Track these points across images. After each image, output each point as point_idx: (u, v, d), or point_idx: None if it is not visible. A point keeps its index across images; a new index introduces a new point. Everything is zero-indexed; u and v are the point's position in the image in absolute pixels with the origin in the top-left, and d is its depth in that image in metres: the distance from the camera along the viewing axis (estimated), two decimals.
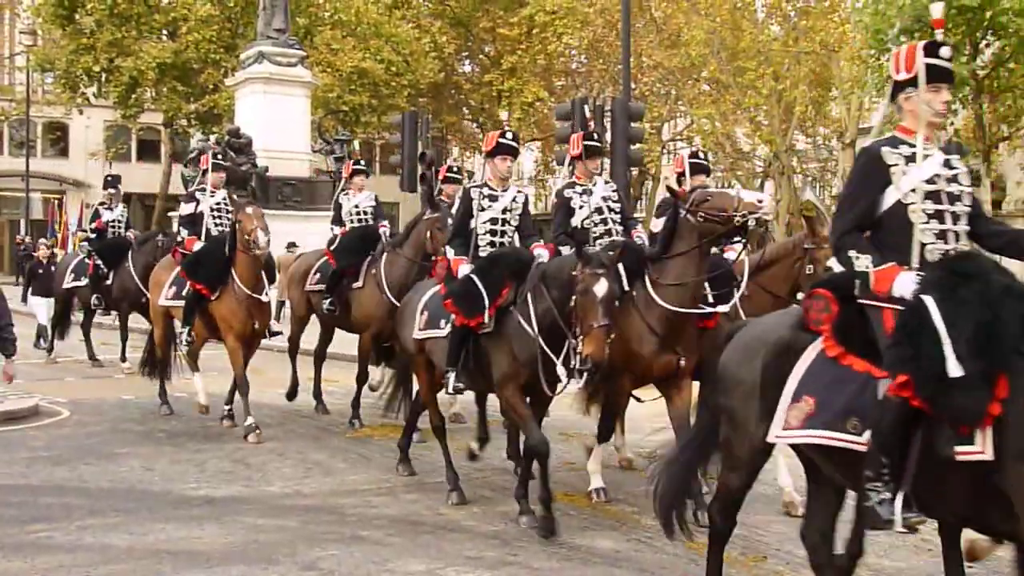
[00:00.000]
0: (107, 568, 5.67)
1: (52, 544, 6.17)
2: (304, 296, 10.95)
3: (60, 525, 6.56)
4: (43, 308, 16.53)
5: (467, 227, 7.24)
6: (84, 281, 14.37)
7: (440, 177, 11.23)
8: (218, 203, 10.45)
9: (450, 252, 7.27)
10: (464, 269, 6.93)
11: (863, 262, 4.07)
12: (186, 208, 10.63)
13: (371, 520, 6.83)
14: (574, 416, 8.76)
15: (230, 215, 10.08)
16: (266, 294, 9.63)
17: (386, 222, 11.00)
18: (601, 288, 5.84)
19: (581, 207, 7.60)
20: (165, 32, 35.80)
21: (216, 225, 10.28)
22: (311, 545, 6.18)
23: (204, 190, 10.53)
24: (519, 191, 7.66)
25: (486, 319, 6.55)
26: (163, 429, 10.12)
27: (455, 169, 11.31)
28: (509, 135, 7.31)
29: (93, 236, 14.77)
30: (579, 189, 7.68)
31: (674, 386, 7.05)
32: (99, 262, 14.07)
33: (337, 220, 11.04)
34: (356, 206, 11.02)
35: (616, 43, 28.87)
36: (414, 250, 9.55)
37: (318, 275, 10.62)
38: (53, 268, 16.80)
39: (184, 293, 9.83)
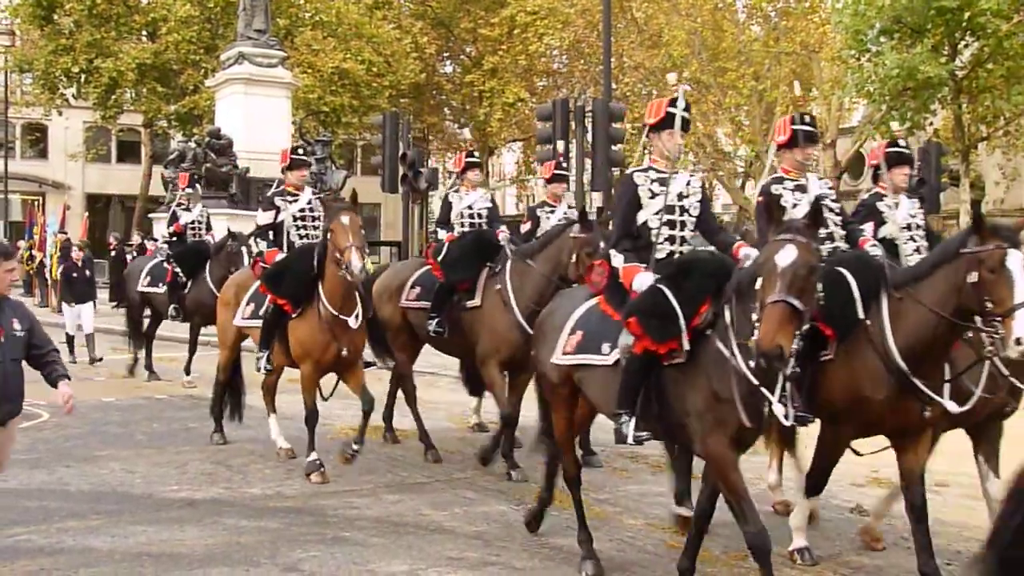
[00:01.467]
0: (88, 571, 5.65)
1: (32, 547, 6.13)
2: (399, 313, 9.04)
3: (40, 528, 6.51)
4: (76, 315, 15.27)
5: (633, 223, 5.64)
6: (162, 288, 12.97)
7: (546, 176, 9.76)
8: (302, 209, 8.67)
9: (617, 258, 5.56)
10: (646, 279, 5.31)
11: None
12: (264, 217, 8.80)
13: (353, 521, 6.82)
14: None
15: (317, 221, 8.55)
16: (357, 317, 7.80)
17: (504, 227, 9.04)
18: (786, 256, 4.45)
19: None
20: (145, 33, 35.67)
21: (301, 236, 8.61)
22: (292, 546, 6.17)
23: (284, 195, 8.75)
24: (692, 173, 6.16)
25: (682, 345, 4.98)
26: (144, 432, 10.06)
27: (563, 165, 9.90)
28: (681, 104, 5.76)
29: (172, 240, 13.40)
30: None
31: (911, 438, 5.59)
32: (178, 269, 12.72)
33: (444, 223, 9.30)
34: (469, 207, 9.24)
35: (597, 43, 28.90)
36: (550, 266, 7.85)
37: (418, 289, 8.92)
38: (88, 272, 15.76)
39: (263, 312, 8.33)
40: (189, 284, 12.59)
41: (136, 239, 25.53)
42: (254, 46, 26.31)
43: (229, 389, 9.34)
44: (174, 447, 9.29)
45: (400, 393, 9.48)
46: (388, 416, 9.62)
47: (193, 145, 26.87)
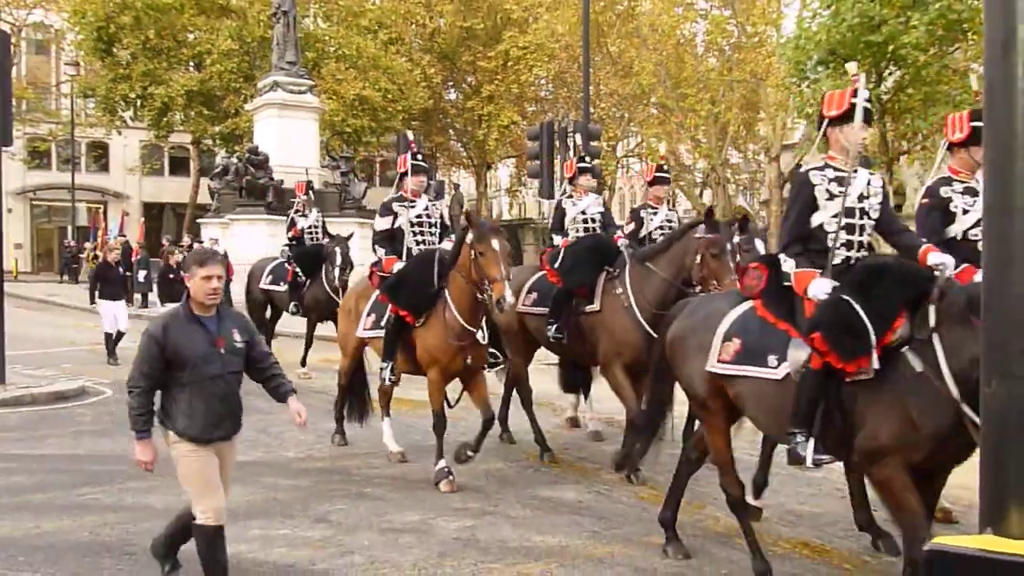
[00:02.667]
0: (146, 525, 5.63)
1: (98, 505, 6.12)
2: (516, 318, 7.87)
3: (105, 488, 6.50)
4: (112, 314, 13.62)
5: (807, 225, 4.49)
6: (283, 286, 12.41)
7: (648, 178, 8.41)
8: (419, 215, 7.38)
9: (789, 263, 4.47)
10: (823, 286, 4.24)
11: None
12: (381, 223, 7.43)
13: (373, 479, 6.81)
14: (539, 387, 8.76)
15: (434, 228, 7.42)
16: (482, 329, 6.66)
17: (620, 232, 7.97)
18: None
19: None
20: (192, 64, 35.42)
21: (418, 242, 7.32)
22: (322, 501, 6.16)
23: (402, 201, 7.41)
24: (870, 172, 4.83)
25: (872, 363, 3.90)
26: None
27: (665, 168, 8.43)
28: (863, 94, 4.49)
29: (292, 243, 12.81)
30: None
31: None
32: (298, 269, 12.16)
33: (558, 228, 8.23)
34: (583, 212, 8.15)
35: (578, 74, 28.83)
36: (674, 269, 6.74)
37: (535, 295, 7.85)
38: (123, 271, 14.44)
39: (384, 322, 7.09)
40: (308, 283, 12.03)
41: (186, 241, 25.39)
42: (286, 75, 26.24)
43: (351, 392, 8.10)
44: None
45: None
46: (504, 417, 8.32)
47: (235, 160, 26.79)
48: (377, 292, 7.30)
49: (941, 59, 21.95)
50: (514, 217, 56.47)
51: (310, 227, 12.83)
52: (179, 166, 44.52)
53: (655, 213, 8.16)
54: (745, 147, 36.86)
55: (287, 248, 12.83)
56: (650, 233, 7.91)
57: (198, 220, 29.21)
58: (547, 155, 14.52)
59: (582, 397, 8.85)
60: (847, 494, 5.67)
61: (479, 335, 6.57)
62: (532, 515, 5.90)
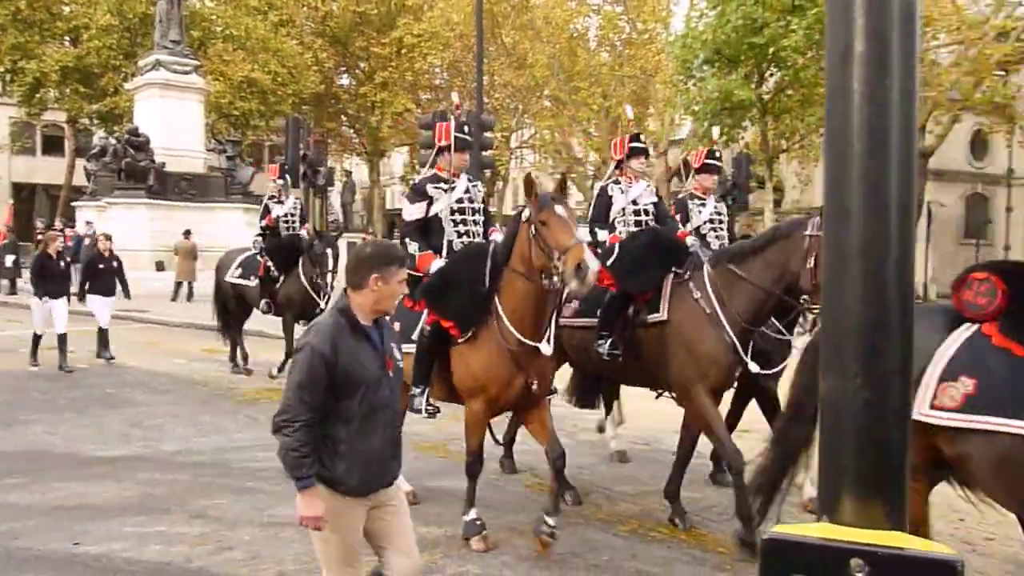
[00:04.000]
0: (8, 525, 5.33)
1: None
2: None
3: None
4: (105, 309, 11.94)
5: None
6: (253, 281, 10.92)
7: (696, 164, 7.05)
8: (460, 199, 5.69)
9: None
10: None
11: None
12: (412, 210, 5.68)
13: (256, 473, 6.64)
14: None
15: (478, 215, 5.79)
16: (549, 341, 5.05)
17: (682, 226, 6.62)
18: None
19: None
20: (68, 38, 33.54)
21: (460, 233, 5.68)
22: (200, 496, 5.97)
23: (437, 181, 5.68)
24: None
25: None
26: (67, 397, 9.54)
27: (716, 154, 7.14)
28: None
29: (265, 233, 11.20)
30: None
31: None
32: (270, 263, 10.67)
33: (601, 220, 6.58)
34: (634, 202, 6.56)
35: (473, 64, 28.83)
36: (774, 274, 5.29)
37: (575, 303, 6.22)
38: (116, 264, 12.08)
39: (416, 335, 5.36)
40: (281, 279, 10.64)
41: (59, 224, 24.06)
42: (170, 55, 25.21)
43: None
44: (95, 410, 8.85)
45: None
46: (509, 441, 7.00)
47: (114, 141, 25.60)
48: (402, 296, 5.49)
49: (818, 62, 22.97)
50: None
51: (286, 215, 11.17)
52: (53, 145, 42.16)
53: (703, 205, 6.89)
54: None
55: (260, 239, 11.34)
56: (698, 228, 6.71)
57: (73, 203, 27.76)
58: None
59: (606, 414, 7.50)
60: (720, 482, 5.90)
61: (544, 348, 4.99)
62: (420, 506, 5.87)
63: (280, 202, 11.21)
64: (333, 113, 40.26)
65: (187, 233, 21.12)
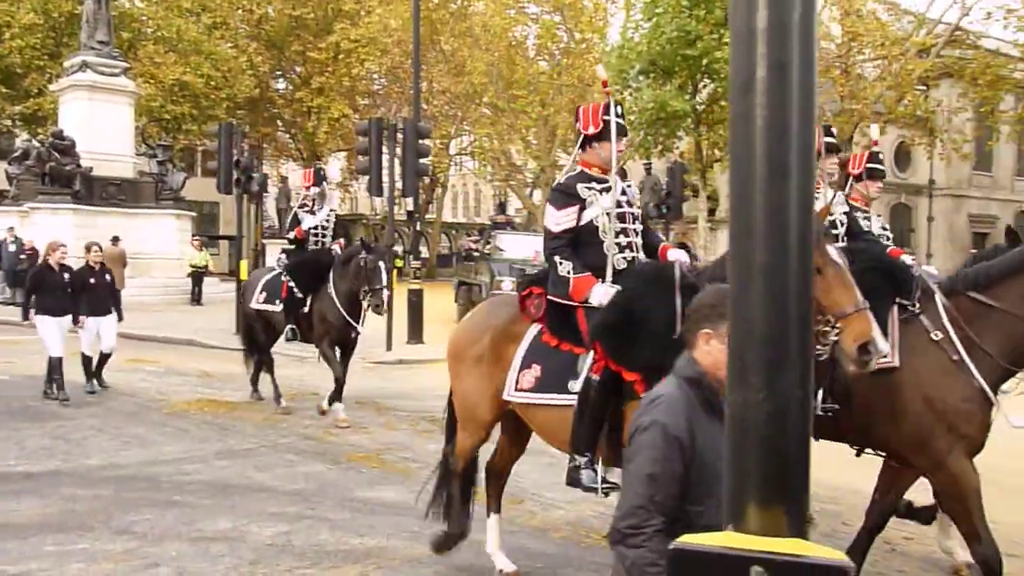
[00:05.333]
0: None
1: None
2: None
3: None
4: (111, 331, 10.12)
5: None
6: (278, 305, 9.41)
7: (855, 171, 5.83)
8: (619, 203, 4.36)
9: None
10: None
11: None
12: (561, 218, 4.33)
13: (184, 486, 6.51)
14: (365, 383, 8.70)
15: (638, 221, 4.45)
16: None
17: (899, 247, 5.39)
18: None
19: None
20: None
21: (623, 247, 4.32)
22: (126, 511, 5.82)
23: (588, 180, 4.35)
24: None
25: None
26: None
27: (880, 157, 5.90)
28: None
29: (294, 247, 9.70)
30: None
31: None
32: (292, 283, 9.19)
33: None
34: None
35: (411, 70, 28.83)
36: None
37: None
38: (109, 278, 10.19)
39: (576, 385, 4.09)
40: (308, 301, 9.16)
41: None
42: (97, 56, 24.53)
43: (462, 483, 5.04)
44: (14, 424, 8.53)
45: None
46: None
47: (37, 144, 24.77)
48: (534, 331, 4.38)
49: None
50: (346, 212, 55.43)
51: (316, 228, 9.61)
52: None
53: (867, 218, 5.71)
54: (573, 149, 38.00)
55: (284, 256, 9.79)
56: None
57: None
58: (376, 151, 14.38)
59: None
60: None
61: None
62: (351, 517, 5.84)
63: (313, 212, 9.66)
64: (268, 118, 39.74)
65: (115, 239, 20.55)
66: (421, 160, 14.80)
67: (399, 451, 7.71)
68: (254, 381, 10.02)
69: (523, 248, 16.77)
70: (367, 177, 14.77)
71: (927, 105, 32.29)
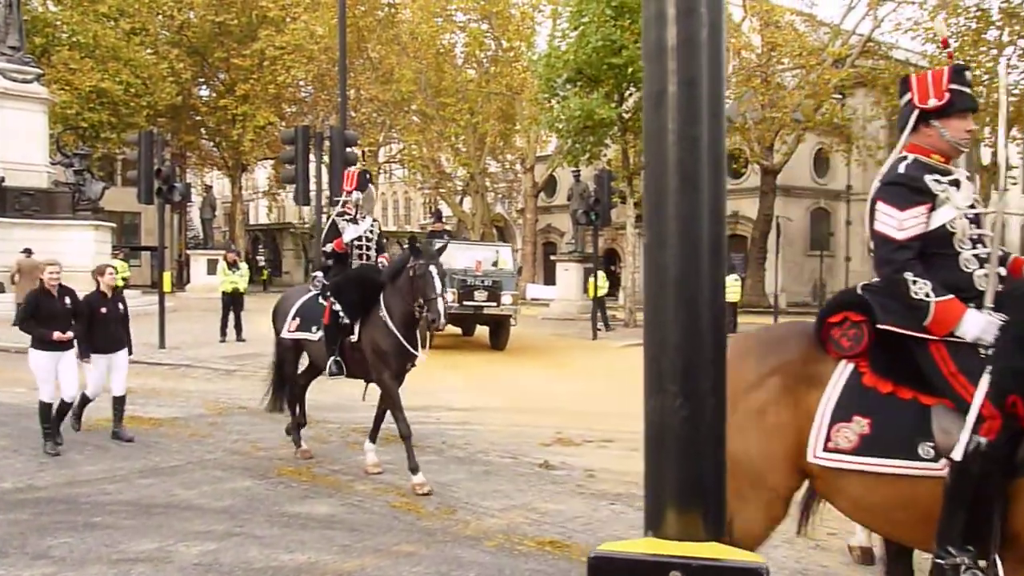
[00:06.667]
0: None
1: None
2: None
3: None
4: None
5: None
6: (317, 333, 7.64)
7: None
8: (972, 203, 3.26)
9: None
10: None
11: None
12: (907, 219, 3.20)
13: (105, 507, 6.29)
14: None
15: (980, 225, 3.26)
16: None
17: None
18: None
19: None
20: None
21: (982, 259, 3.20)
22: (43, 535, 5.60)
23: (932, 171, 3.23)
24: None
25: None
26: None
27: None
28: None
29: (332, 262, 7.94)
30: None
31: None
32: (338, 307, 7.36)
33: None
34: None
35: (338, 77, 28.57)
36: None
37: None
38: (123, 308, 8.60)
39: (958, 453, 2.94)
40: (357, 328, 7.34)
41: None
42: (8, 62, 23.64)
43: None
44: None
45: None
46: None
47: None
48: (845, 370, 3.24)
49: None
50: (273, 221, 54.60)
51: (360, 239, 7.89)
52: None
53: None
54: (503, 157, 38.24)
55: (321, 274, 8.06)
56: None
57: None
58: (302, 160, 14.19)
59: None
60: (587, 491, 6.03)
61: None
62: (281, 533, 5.73)
63: (356, 221, 7.88)
64: (191, 126, 38.90)
65: (27, 251, 19.81)
66: (348, 169, 14.66)
67: (329, 464, 7.61)
68: (294, 432, 8.06)
69: (463, 258, 16.61)
70: (294, 186, 14.56)
71: (844, 113, 33.48)
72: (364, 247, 7.88)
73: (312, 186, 14.47)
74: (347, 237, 7.80)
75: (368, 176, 8.22)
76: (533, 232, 35.42)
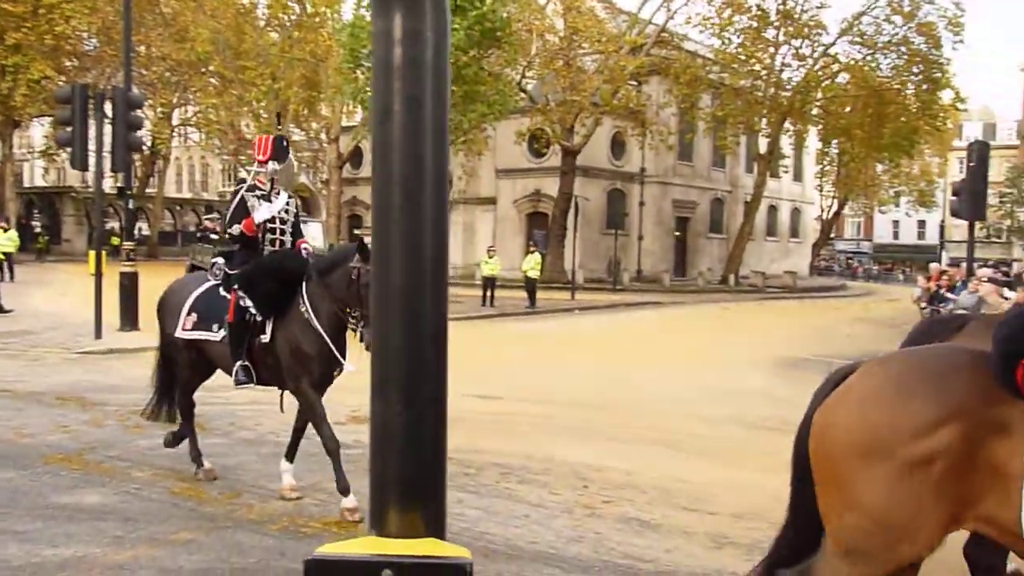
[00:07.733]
0: None
1: None
2: None
3: None
4: None
5: None
6: (219, 333, 6.28)
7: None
8: None
9: None
10: None
11: None
12: None
13: None
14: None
15: None
16: None
17: None
18: None
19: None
20: None
21: None
22: None
23: None
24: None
25: None
26: None
27: None
28: None
29: (236, 248, 6.43)
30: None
31: None
32: (247, 302, 6.03)
33: None
34: None
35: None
36: None
37: None
38: None
39: None
40: (270, 326, 6.08)
41: None
42: None
43: None
44: None
45: None
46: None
47: None
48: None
49: (479, 61, 24.30)
50: (51, 184, 50.36)
51: (273, 220, 6.37)
52: None
53: None
54: (308, 126, 37.14)
55: (222, 260, 6.54)
56: None
57: None
58: (80, 121, 13.08)
59: None
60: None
61: None
62: (45, 526, 5.35)
63: (267, 198, 6.36)
64: None
65: None
66: (133, 133, 13.70)
67: (104, 450, 7.17)
68: (191, 448, 6.69)
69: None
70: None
71: (639, 99, 35.23)
72: (278, 230, 6.42)
73: (92, 150, 13.35)
74: (259, 217, 6.30)
75: (285, 143, 6.64)
76: (338, 204, 34.73)
